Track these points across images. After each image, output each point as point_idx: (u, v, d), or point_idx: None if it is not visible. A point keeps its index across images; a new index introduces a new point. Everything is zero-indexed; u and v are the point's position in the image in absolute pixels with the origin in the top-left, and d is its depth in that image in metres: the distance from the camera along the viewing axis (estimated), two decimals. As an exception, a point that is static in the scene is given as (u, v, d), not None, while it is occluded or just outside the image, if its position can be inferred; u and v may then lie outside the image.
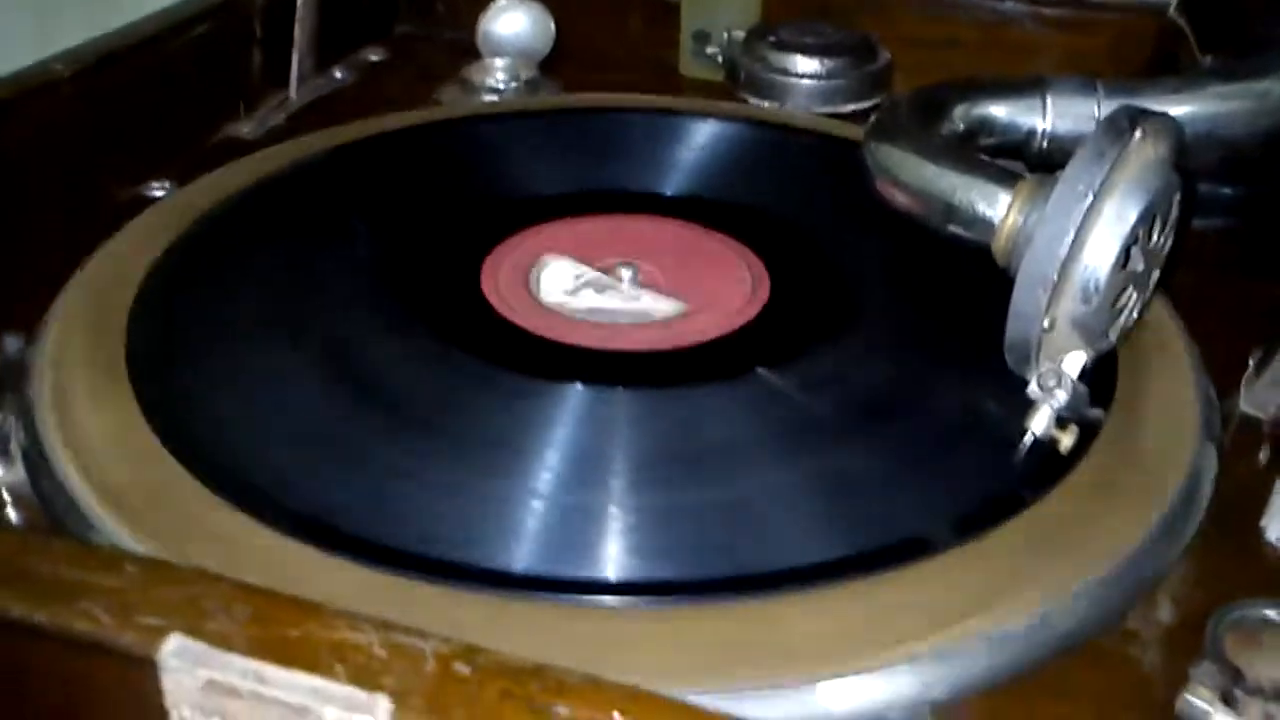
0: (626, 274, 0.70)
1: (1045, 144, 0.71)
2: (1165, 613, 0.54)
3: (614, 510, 0.55)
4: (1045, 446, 0.57)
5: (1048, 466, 0.57)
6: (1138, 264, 0.57)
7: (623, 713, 0.39)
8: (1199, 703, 0.46)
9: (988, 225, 0.60)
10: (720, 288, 0.70)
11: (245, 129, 0.92)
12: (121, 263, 0.70)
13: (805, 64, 0.91)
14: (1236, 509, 0.58)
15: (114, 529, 0.53)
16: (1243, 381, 0.65)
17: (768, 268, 0.71)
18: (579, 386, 0.61)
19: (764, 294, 0.69)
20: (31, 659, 0.45)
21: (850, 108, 0.91)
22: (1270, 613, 0.51)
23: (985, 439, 0.59)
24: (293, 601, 0.43)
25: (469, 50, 0.97)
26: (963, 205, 0.61)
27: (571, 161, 0.83)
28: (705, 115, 0.86)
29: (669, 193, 0.80)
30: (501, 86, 0.95)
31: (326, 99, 0.97)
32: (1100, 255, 0.55)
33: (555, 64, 0.98)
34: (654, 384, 0.62)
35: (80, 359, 0.63)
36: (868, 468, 0.58)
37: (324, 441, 0.59)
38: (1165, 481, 0.57)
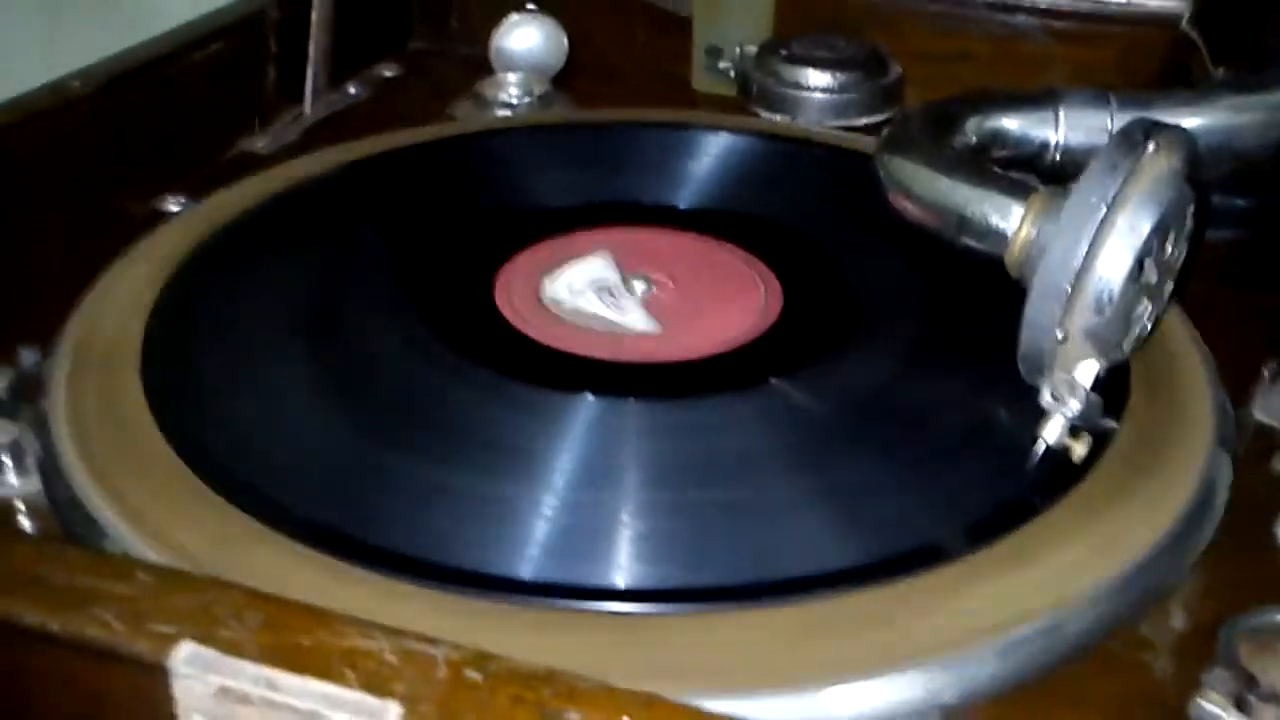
0: (640, 286, 0.70)
1: (1058, 156, 0.71)
2: (1178, 620, 0.54)
3: (624, 518, 0.55)
4: (1058, 455, 0.57)
5: (1060, 475, 0.57)
6: (1151, 275, 0.57)
7: (634, 718, 0.39)
8: (1212, 708, 0.46)
9: (1001, 237, 0.60)
10: (733, 299, 0.70)
11: (260, 144, 0.92)
12: (136, 277, 0.70)
13: (817, 78, 0.91)
14: (1250, 517, 0.58)
15: (127, 539, 0.53)
16: (1256, 391, 0.65)
17: (780, 279, 0.71)
18: (590, 397, 0.61)
19: (776, 305, 0.69)
20: (44, 666, 0.45)
21: (862, 121, 0.91)
22: (1284, 619, 0.52)
23: (998, 448, 0.59)
24: (304, 609, 0.44)
25: (482, 65, 0.97)
26: (976, 217, 0.61)
27: (584, 175, 0.83)
28: (718, 129, 0.86)
29: (682, 206, 0.80)
30: (515, 101, 0.95)
31: (341, 114, 0.98)
32: (1114, 267, 0.55)
33: (568, 79, 0.98)
34: (666, 395, 0.62)
35: (95, 373, 0.63)
36: (880, 476, 0.58)
37: (339, 452, 0.59)
38: (1179, 490, 0.57)
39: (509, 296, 0.69)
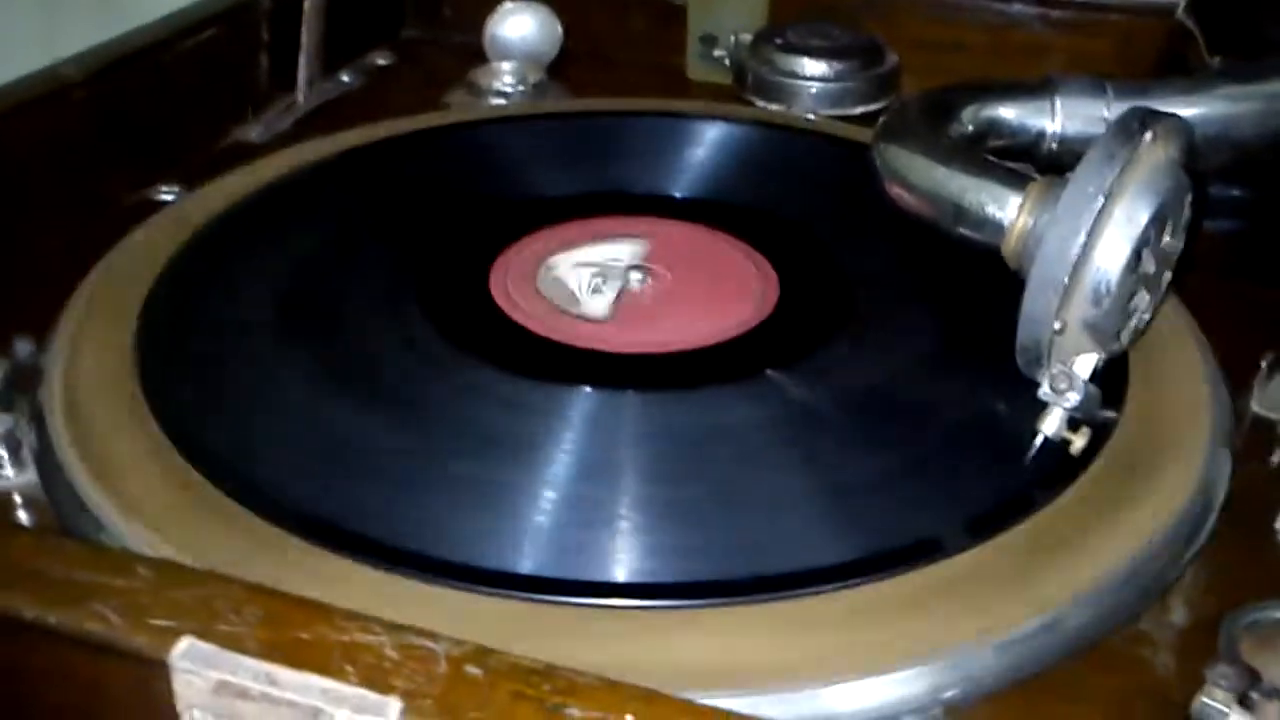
0: (635, 277, 0.70)
1: (1055, 146, 0.71)
2: (1178, 615, 0.54)
3: (623, 512, 0.55)
4: (1057, 448, 0.57)
5: (1059, 468, 0.57)
6: (1149, 266, 0.57)
7: (635, 714, 0.39)
8: (1215, 705, 0.46)
9: (998, 227, 0.60)
10: (729, 290, 0.70)
11: (253, 133, 0.92)
12: (130, 267, 0.70)
13: (813, 66, 0.91)
14: (1249, 511, 0.58)
15: (125, 531, 0.53)
16: (1255, 383, 0.65)
17: (776, 270, 0.71)
18: (588, 390, 0.61)
19: (773, 296, 0.69)
20: (43, 660, 0.45)
21: (858, 110, 0.91)
22: (1284, 614, 0.52)
23: (996, 441, 0.59)
24: (304, 603, 0.43)
25: (476, 54, 0.96)
26: (972, 207, 0.61)
27: (579, 165, 0.82)
28: (713, 118, 0.86)
29: (677, 195, 0.80)
30: (509, 90, 0.95)
31: (334, 103, 0.97)
32: (1111, 257, 0.55)
33: (562, 67, 0.98)
34: (664, 386, 0.62)
35: (90, 362, 0.63)
36: (878, 469, 0.58)
37: (335, 444, 0.59)
38: (1178, 483, 0.57)
39: (505, 287, 0.69)
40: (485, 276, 0.70)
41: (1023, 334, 0.56)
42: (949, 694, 0.48)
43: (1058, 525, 0.55)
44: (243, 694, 0.41)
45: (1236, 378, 0.65)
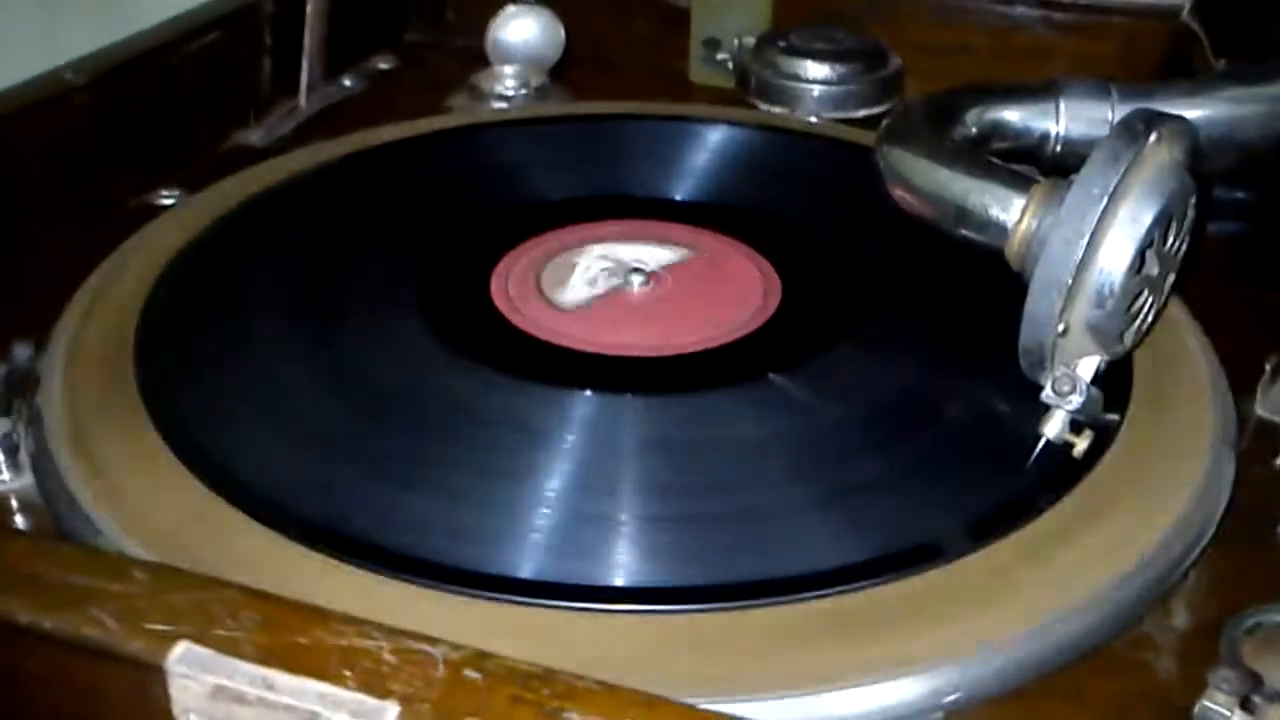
0: (637, 280, 0.70)
1: (1059, 148, 0.71)
2: (1181, 618, 0.53)
3: (623, 516, 0.54)
4: (1059, 451, 0.57)
5: (1062, 471, 0.57)
6: (1153, 268, 0.57)
7: (634, 719, 0.39)
8: (1217, 709, 0.46)
9: (1001, 229, 0.60)
10: (731, 292, 0.70)
11: (254, 137, 0.91)
12: (131, 271, 0.70)
13: (816, 69, 0.91)
14: (1252, 514, 0.58)
15: (122, 536, 0.53)
16: (1259, 386, 0.65)
17: (779, 273, 0.71)
18: (589, 393, 0.61)
19: (776, 299, 0.69)
20: (39, 665, 0.45)
21: (862, 113, 0.91)
22: (1287, 618, 0.51)
23: (998, 444, 0.59)
24: (301, 608, 0.43)
25: (479, 58, 0.96)
26: (976, 209, 0.61)
27: (582, 168, 0.82)
28: (716, 121, 0.86)
29: (680, 199, 0.80)
30: (511, 94, 0.94)
31: (336, 107, 0.97)
32: (1115, 259, 0.55)
33: (565, 71, 0.98)
34: (664, 390, 0.62)
35: (89, 367, 0.63)
36: (880, 473, 0.57)
37: (334, 448, 0.59)
38: (1180, 486, 0.57)
39: (506, 291, 0.69)
40: (486, 280, 0.70)
41: (1025, 336, 0.56)
42: (950, 698, 0.48)
43: (1060, 528, 0.54)
44: (240, 699, 0.41)
45: (1240, 380, 0.64)
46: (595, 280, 0.70)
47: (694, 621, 0.50)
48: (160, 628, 0.42)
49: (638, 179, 0.81)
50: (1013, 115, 0.71)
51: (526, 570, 0.52)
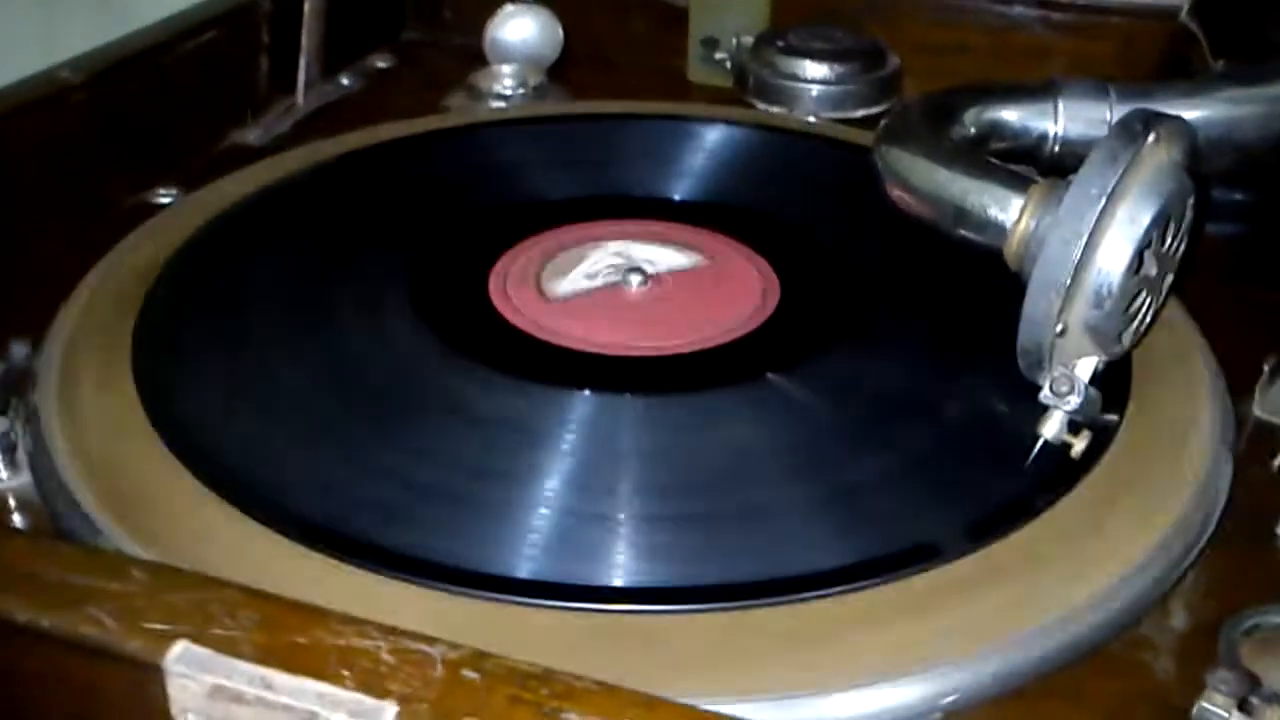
0: (635, 279, 0.70)
1: (1057, 148, 0.70)
2: (1179, 619, 0.53)
3: (622, 516, 0.54)
4: (1058, 452, 0.57)
5: (1060, 472, 0.57)
6: (1151, 268, 0.57)
7: (633, 719, 0.39)
8: (1215, 710, 0.46)
9: (999, 229, 0.60)
10: (729, 292, 0.70)
11: (252, 136, 0.91)
12: (127, 269, 0.70)
13: (814, 69, 0.91)
14: (1251, 515, 0.58)
15: (119, 535, 0.53)
16: (1257, 387, 0.65)
17: (778, 273, 0.71)
18: (587, 393, 0.61)
19: (774, 299, 0.69)
20: (37, 664, 0.45)
21: (860, 113, 0.91)
22: (1285, 619, 0.51)
23: (997, 444, 0.59)
24: (300, 607, 0.43)
25: (477, 57, 0.96)
26: (974, 209, 0.61)
27: (580, 168, 0.82)
28: (714, 121, 0.86)
29: (678, 198, 0.80)
30: (509, 93, 0.94)
31: (333, 106, 0.97)
32: (1113, 259, 0.55)
33: (563, 70, 0.98)
34: (663, 390, 0.62)
35: (86, 366, 0.62)
36: (878, 474, 0.57)
37: (332, 448, 0.59)
38: (1179, 487, 0.57)
39: (504, 291, 0.69)
40: (484, 280, 0.70)
41: (1024, 336, 0.56)
42: (949, 700, 0.48)
43: (1058, 529, 0.54)
44: (238, 698, 0.41)
45: (1238, 381, 0.64)
46: (595, 275, 0.70)
47: (692, 622, 0.50)
48: (158, 627, 0.42)
49: (635, 179, 0.81)
50: (1011, 115, 0.71)
51: (525, 570, 0.52)
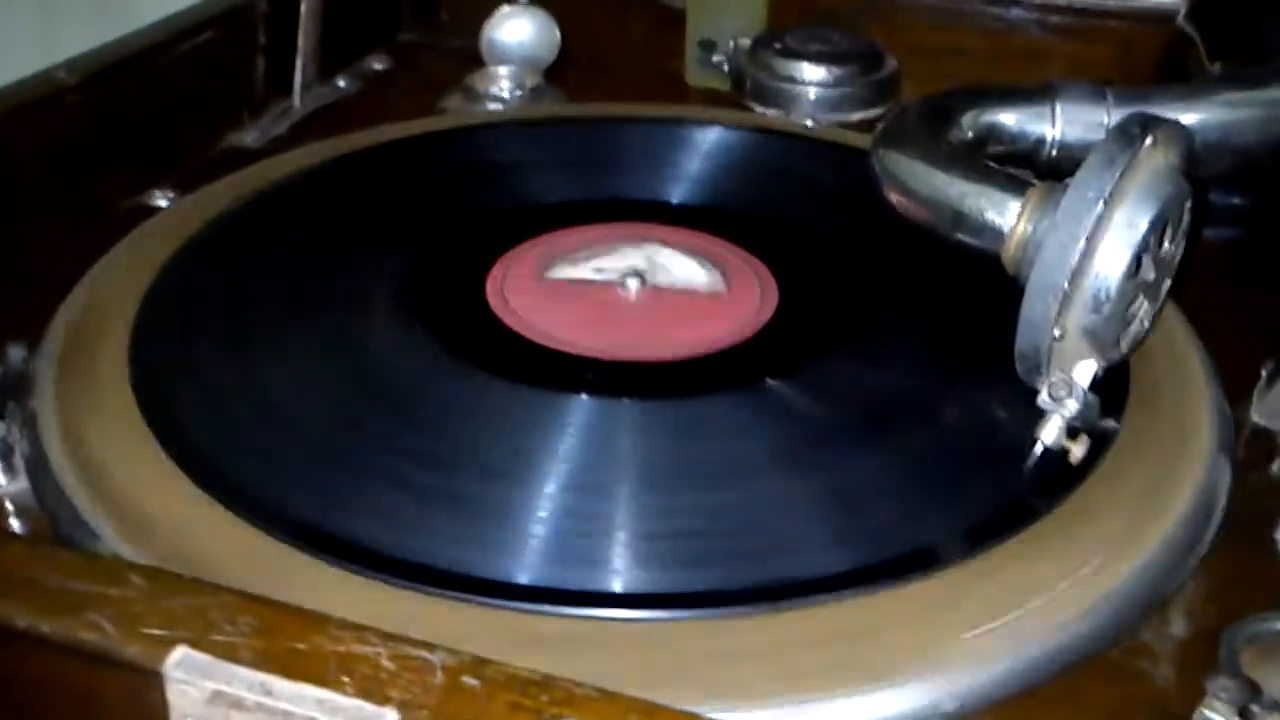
0: (634, 284, 0.70)
1: (1054, 152, 0.70)
2: (1178, 626, 0.53)
3: (619, 521, 0.54)
4: (1056, 457, 0.57)
5: (1059, 477, 0.57)
6: (1149, 272, 0.57)
7: (634, 726, 0.39)
8: (1215, 717, 0.46)
9: (997, 233, 0.60)
10: (728, 296, 0.70)
11: (248, 138, 0.91)
12: (124, 272, 0.69)
13: (812, 72, 0.91)
14: (1250, 521, 0.58)
15: (118, 540, 0.53)
16: (1255, 392, 0.65)
17: (775, 276, 0.71)
18: (585, 397, 0.61)
19: (772, 303, 0.69)
20: (37, 670, 0.44)
21: (857, 116, 0.91)
22: (1285, 626, 0.51)
23: (996, 449, 0.59)
24: (299, 613, 0.43)
25: (473, 58, 0.96)
26: (972, 213, 0.61)
27: (576, 170, 0.82)
28: (711, 124, 0.86)
29: (675, 201, 0.80)
30: (506, 95, 0.94)
31: (330, 108, 0.97)
32: (1111, 263, 0.55)
33: (560, 72, 0.97)
34: (660, 395, 0.62)
35: (83, 369, 0.62)
36: (877, 478, 0.58)
37: (330, 452, 0.59)
38: (1178, 493, 0.57)
39: (501, 294, 0.69)
40: (481, 283, 0.70)
41: (1021, 340, 0.56)
42: (948, 706, 0.48)
43: (1057, 534, 0.54)
44: (237, 704, 0.41)
45: (1236, 385, 0.64)
46: (603, 270, 0.70)
47: (691, 628, 0.50)
48: (158, 632, 0.42)
49: (633, 181, 0.81)
50: (1008, 118, 0.71)
51: (523, 576, 0.52)
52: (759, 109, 0.92)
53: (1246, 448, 0.62)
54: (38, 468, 0.58)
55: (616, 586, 0.52)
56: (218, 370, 0.63)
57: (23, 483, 0.58)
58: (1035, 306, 0.55)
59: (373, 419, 0.60)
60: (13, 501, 0.58)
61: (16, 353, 0.64)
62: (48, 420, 0.59)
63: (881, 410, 0.62)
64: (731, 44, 0.97)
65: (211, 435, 0.59)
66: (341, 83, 1.00)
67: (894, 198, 0.65)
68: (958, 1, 0.99)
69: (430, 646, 0.41)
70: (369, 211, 0.78)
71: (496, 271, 0.71)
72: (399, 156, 0.83)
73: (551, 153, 0.84)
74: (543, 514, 0.55)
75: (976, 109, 0.70)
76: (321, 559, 0.52)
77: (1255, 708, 0.46)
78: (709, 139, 0.84)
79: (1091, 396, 0.57)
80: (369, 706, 0.40)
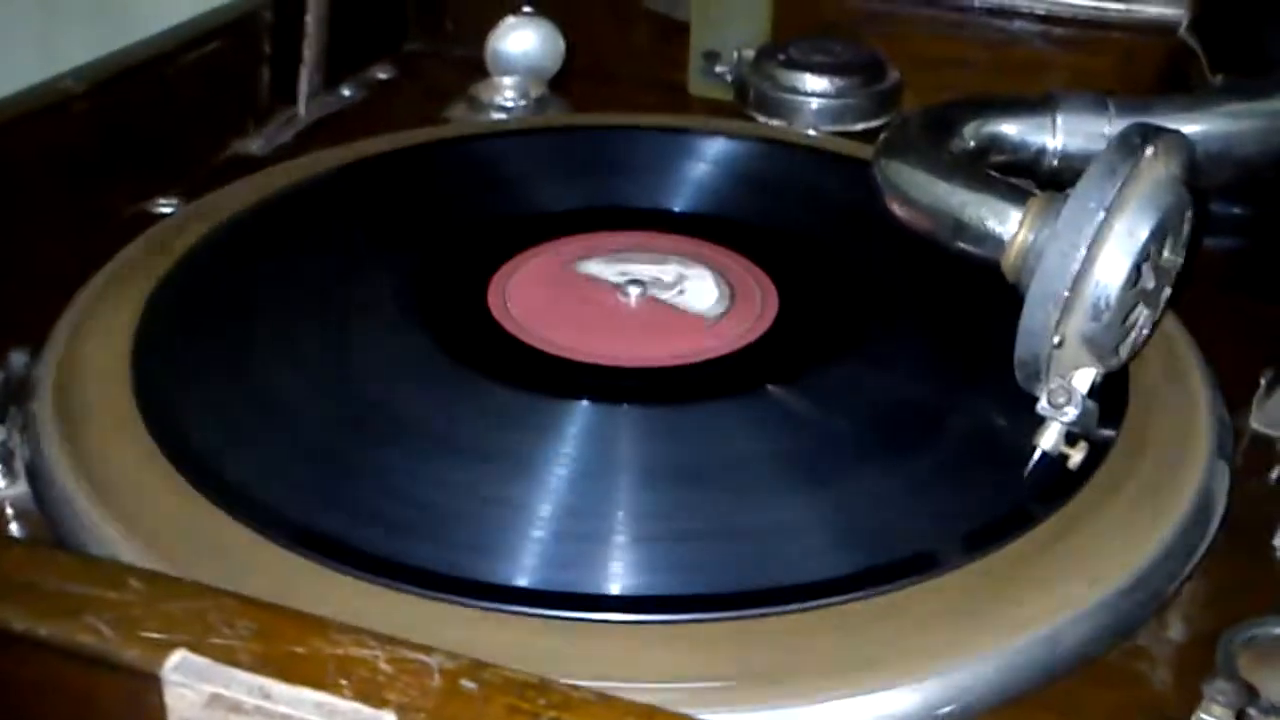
0: (635, 292, 0.70)
1: (1056, 162, 0.71)
2: (1176, 631, 0.53)
3: (619, 525, 0.54)
4: (1055, 463, 0.57)
5: (1057, 483, 0.57)
6: (1149, 281, 0.57)
7: (631, 729, 0.39)
8: (1213, 723, 0.46)
9: (998, 242, 0.60)
10: (730, 304, 0.70)
11: (254, 146, 0.92)
12: (128, 279, 0.70)
13: (815, 82, 0.91)
14: (1248, 527, 0.58)
15: (118, 543, 0.53)
16: (1254, 400, 0.65)
17: (776, 285, 0.71)
18: (586, 403, 0.61)
19: (772, 311, 0.69)
20: (35, 673, 0.44)
21: (860, 126, 0.91)
22: (1283, 631, 0.51)
23: (995, 455, 0.59)
24: (298, 617, 0.43)
25: (478, 68, 0.96)
26: (973, 222, 0.61)
27: (580, 180, 0.82)
28: (715, 133, 0.86)
29: (678, 210, 0.80)
30: (510, 105, 0.94)
31: (335, 116, 0.97)
32: (1111, 272, 0.55)
33: (564, 82, 0.98)
34: (661, 401, 0.62)
35: (85, 375, 0.62)
36: (876, 484, 0.58)
37: (331, 457, 0.59)
38: (1176, 499, 0.57)
39: (504, 302, 0.69)
40: (484, 290, 0.70)
41: (1021, 348, 0.56)
42: (946, 710, 0.48)
43: (1055, 540, 0.54)
44: (236, 708, 0.41)
45: (1235, 393, 0.65)
46: (624, 272, 0.71)
47: (690, 631, 0.50)
48: (156, 636, 0.42)
49: (636, 191, 0.81)
50: (1010, 129, 0.71)
51: (523, 579, 0.52)
52: (762, 119, 0.92)
53: (1245, 455, 0.63)
54: (38, 472, 0.58)
55: (615, 590, 0.52)
56: (220, 377, 0.63)
57: (23, 487, 0.58)
58: (1035, 314, 0.55)
59: (377, 425, 0.60)
60: (12, 505, 0.58)
61: (19, 358, 0.64)
62: (49, 425, 0.59)
63: (882, 416, 0.62)
64: (735, 55, 0.97)
65: (213, 441, 0.59)
66: (346, 92, 1.00)
67: (895, 207, 0.66)
68: (960, 13, 0.99)
69: (428, 649, 0.42)
70: (373, 219, 0.78)
71: (500, 278, 0.71)
72: (403, 165, 0.83)
73: (555, 163, 0.84)
74: (543, 519, 0.55)
75: (978, 119, 0.70)
76: (321, 563, 0.52)
77: (1252, 711, 0.46)
78: (712, 149, 0.84)
79: (1090, 403, 0.57)
80: (367, 709, 0.40)
